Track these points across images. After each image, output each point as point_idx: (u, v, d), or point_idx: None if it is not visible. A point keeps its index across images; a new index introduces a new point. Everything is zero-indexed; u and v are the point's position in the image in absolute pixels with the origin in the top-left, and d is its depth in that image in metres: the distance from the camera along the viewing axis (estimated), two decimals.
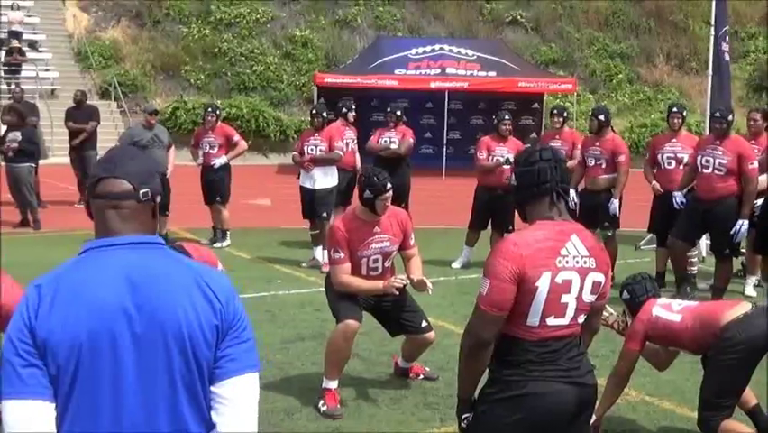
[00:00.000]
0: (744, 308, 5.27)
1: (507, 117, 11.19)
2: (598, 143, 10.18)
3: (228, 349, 2.38)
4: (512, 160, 10.56)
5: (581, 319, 3.45)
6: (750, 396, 5.55)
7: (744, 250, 9.90)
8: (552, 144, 10.97)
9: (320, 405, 6.00)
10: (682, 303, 5.61)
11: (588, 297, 3.41)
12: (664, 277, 10.05)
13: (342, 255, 6.01)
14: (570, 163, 10.63)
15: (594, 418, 5.61)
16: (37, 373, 2.26)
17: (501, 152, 10.91)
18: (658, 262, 10.33)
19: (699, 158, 8.96)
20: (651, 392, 6.52)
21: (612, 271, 9.99)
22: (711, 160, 8.83)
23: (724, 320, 5.13)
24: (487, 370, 3.44)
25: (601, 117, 10.19)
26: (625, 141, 26.42)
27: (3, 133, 14.57)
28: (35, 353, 2.26)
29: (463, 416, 3.49)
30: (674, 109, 10.21)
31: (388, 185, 6.04)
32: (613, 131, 10.41)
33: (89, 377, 2.27)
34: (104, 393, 2.28)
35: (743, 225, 8.68)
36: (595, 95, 30.77)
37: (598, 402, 5.68)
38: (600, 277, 3.44)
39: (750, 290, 9.71)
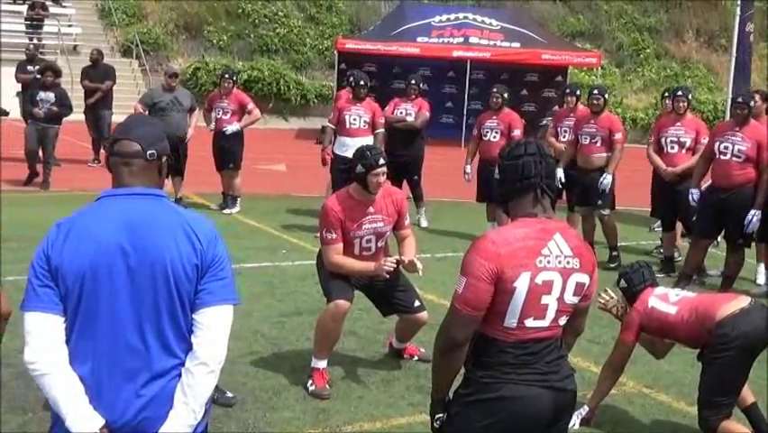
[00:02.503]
0: (741, 302, 5.11)
1: (495, 90, 11.26)
2: (593, 121, 10.06)
3: (207, 284, 2.92)
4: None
5: (563, 321, 3.30)
6: (747, 394, 5.40)
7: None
8: (566, 122, 10.86)
9: (308, 385, 5.92)
10: (680, 294, 5.46)
11: (570, 298, 3.26)
12: (673, 261, 9.90)
13: (334, 236, 5.91)
14: (559, 143, 10.59)
15: (587, 409, 5.52)
16: (50, 292, 2.85)
17: (491, 126, 10.96)
18: (666, 246, 10.17)
19: (716, 144, 8.69)
20: (649, 384, 6.39)
21: (616, 251, 10.02)
22: (730, 146, 8.58)
23: (719, 316, 4.99)
24: (462, 369, 3.32)
25: (606, 96, 10.26)
26: (648, 117, 26.19)
27: (28, 90, 14.52)
28: (49, 276, 2.85)
29: (436, 416, 3.36)
30: (679, 93, 10.00)
31: (381, 160, 5.86)
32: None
33: (91, 300, 2.84)
34: (102, 313, 2.85)
35: (755, 215, 8.44)
36: (621, 69, 30.37)
37: (592, 392, 5.63)
38: (584, 278, 3.28)
39: (762, 279, 9.53)
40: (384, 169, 5.92)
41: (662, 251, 10.34)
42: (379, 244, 6.15)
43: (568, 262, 3.22)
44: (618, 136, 9.96)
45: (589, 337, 7.15)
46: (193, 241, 2.90)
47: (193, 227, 2.93)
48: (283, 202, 13.08)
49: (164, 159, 3.04)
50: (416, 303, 6.27)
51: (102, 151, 15.89)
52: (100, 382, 2.86)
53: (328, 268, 6.03)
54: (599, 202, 10.04)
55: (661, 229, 10.56)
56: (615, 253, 10.14)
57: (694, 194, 9.00)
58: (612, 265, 9.90)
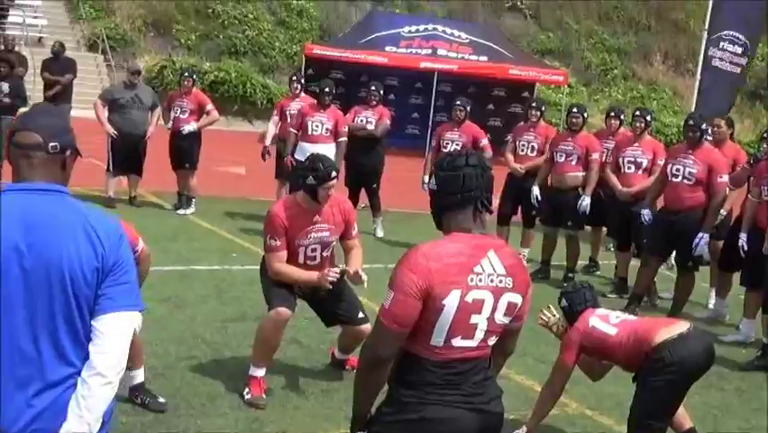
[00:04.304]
0: (681, 328, 5.09)
1: (458, 103, 11.22)
2: (570, 139, 10.02)
3: (107, 289, 2.73)
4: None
5: (492, 341, 3.19)
6: (684, 419, 5.39)
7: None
8: (526, 137, 10.78)
9: (245, 393, 5.79)
10: (621, 316, 5.42)
11: (501, 318, 3.15)
12: (627, 282, 9.87)
13: (278, 243, 5.80)
14: (539, 159, 10.48)
15: (525, 429, 5.44)
16: None
17: (452, 138, 10.86)
18: (619, 266, 10.16)
19: (669, 166, 8.72)
20: (592, 405, 6.32)
21: (572, 273, 9.99)
22: (681, 168, 8.59)
23: (657, 340, 4.95)
24: (386, 386, 3.21)
25: (585, 115, 10.18)
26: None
27: None
28: None
29: None
30: (637, 113, 10.01)
31: (333, 173, 5.78)
32: None
33: None
34: None
35: (702, 238, 8.44)
36: (588, 88, 30.53)
37: (531, 413, 5.56)
38: (517, 298, 3.17)
39: (713, 303, 9.52)
40: (335, 182, 5.83)
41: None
42: (325, 254, 6.04)
43: (501, 281, 3.11)
44: (596, 156, 9.90)
45: (536, 356, 7.10)
46: (94, 242, 2.71)
47: (95, 227, 2.74)
48: (239, 205, 12.91)
49: (68, 152, 2.84)
50: (360, 315, 6.16)
51: None
52: None
53: (271, 276, 5.91)
54: (569, 223, 9.99)
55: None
56: (571, 275, 10.11)
57: (645, 214, 9.00)
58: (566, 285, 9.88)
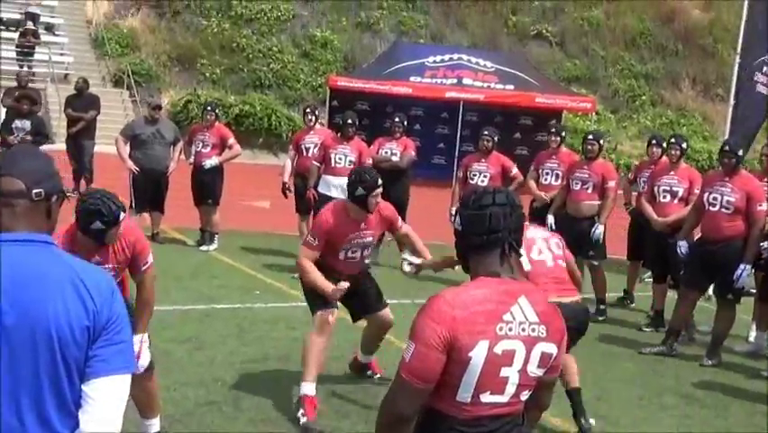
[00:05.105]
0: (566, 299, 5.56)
1: (485, 132, 10.90)
2: (586, 167, 9.76)
3: (99, 350, 2.45)
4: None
5: (525, 396, 2.89)
6: (572, 377, 6.03)
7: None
8: (548, 164, 10.51)
9: (299, 414, 5.84)
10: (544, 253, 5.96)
11: (534, 370, 2.85)
12: (663, 315, 9.50)
13: (316, 243, 6.01)
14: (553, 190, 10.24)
15: None
16: None
17: (479, 169, 10.58)
18: (656, 299, 9.79)
19: (706, 195, 8.36)
20: None
21: (603, 304, 9.71)
22: (719, 197, 8.22)
23: None
24: None
25: (602, 142, 9.94)
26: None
27: (6, 116, 14.16)
28: None
29: None
30: (672, 140, 9.68)
31: (379, 180, 6.00)
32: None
33: None
34: None
35: (744, 269, 8.05)
36: (616, 115, 30.20)
37: None
38: (551, 348, 2.87)
39: (754, 336, 9.15)
40: (381, 189, 6.06)
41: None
42: (365, 253, 6.42)
43: (533, 330, 2.81)
44: (612, 184, 9.66)
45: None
46: (84, 298, 2.44)
47: (85, 282, 2.46)
48: (262, 240, 12.71)
49: (54, 198, 2.58)
50: (383, 301, 6.58)
51: (82, 182, 15.57)
52: None
53: (297, 263, 6.19)
54: (591, 253, 9.68)
55: (651, 280, 10.21)
56: (602, 307, 9.78)
57: (682, 247, 8.62)
58: (600, 318, 9.57)
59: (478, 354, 2.73)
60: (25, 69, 23.48)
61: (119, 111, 24.17)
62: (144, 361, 4.99)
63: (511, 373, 2.80)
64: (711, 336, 8.57)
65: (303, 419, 5.76)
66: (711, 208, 8.28)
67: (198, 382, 6.61)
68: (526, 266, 5.09)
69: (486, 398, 2.80)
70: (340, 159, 10.73)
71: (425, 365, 2.73)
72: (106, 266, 4.96)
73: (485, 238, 2.89)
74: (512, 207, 2.92)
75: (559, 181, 10.33)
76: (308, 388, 5.93)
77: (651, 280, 10.49)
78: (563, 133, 10.83)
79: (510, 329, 2.78)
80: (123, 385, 2.49)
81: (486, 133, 10.90)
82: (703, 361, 8.32)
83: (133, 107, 25.25)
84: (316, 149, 11.19)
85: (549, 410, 6.18)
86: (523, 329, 2.80)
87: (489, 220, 2.89)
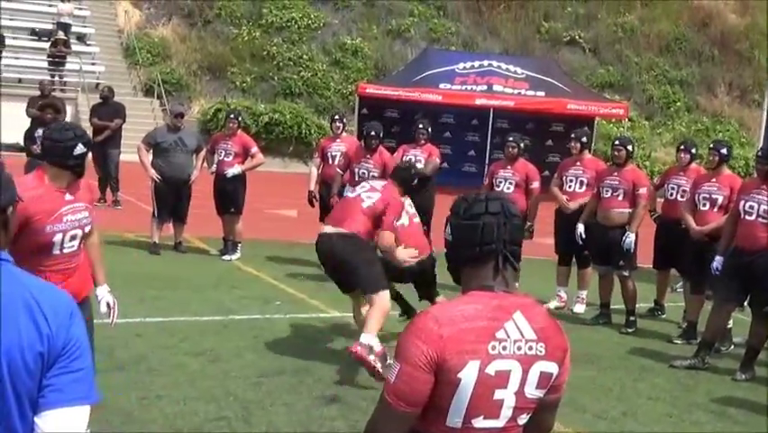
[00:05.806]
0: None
1: (510, 139, 10.67)
2: (617, 174, 9.47)
3: (53, 379, 2.19)
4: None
5: (523, 420, 2.65)
6: None
7: None
8: (572, 171, 10.21)
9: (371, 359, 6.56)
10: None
11: (532, 392, 2.61)
12: (696, 327, 9.18)
13: (396, 225, 7.35)
14: (583, 197, 9.92)
15: None
16: None
17: (505, 176, 10.35)
18: (690, 310, 9.45)
19: (742, 203, 8.03)
20: None
21: (633, 316, 9.39)
22: (756, 205, 7.87)
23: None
24: None
25: (630, 148, 9.59)
26: None
27: (30, 126, 14.16)
28: None
29: None
30: (711, 146, 9.36)
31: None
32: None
33: None
34: None
35: None
36: (651, 122, 29.80)
37: None
38: (551, 367, 2.63)
39: None
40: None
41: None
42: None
43: (530, 348, 2.58)
44: (643, 191, 9.35)
45: (595, 411, 6.53)
46: (38, 321, 2.17)
47: (40, 303, 2.19)
48: (287, 249, 12.54)
49: (9, 210, 2.29)
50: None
51: (108, 190, 15.53)
52: None
53: (384, 246, 7.25)
54: (621, 262, 9.40)
55: (682, 290, 9.90)
56: (632, 319, 9.48)
57: (717, 262, 8.26)
58: (629, 330, 9.30)
59: (468, 376, 2.50)
60: (56, 78, 23.69)
61: (149, 120, 24.20)
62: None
63: (506, 396, 2.57)
64: (745, 350, 8.26)
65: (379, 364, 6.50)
66: (747, 217, 7.95)
67: (210, 396, 6.43)
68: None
69: (479, 423, 2.56)
70: (363, 174, 10.54)
71: (411, 387, 2.51)
72: (81, 204, 4.85)
73: (477, 250, 2.66)
74: (507, 217, 2.68)
75: (583, 189, 10.04)
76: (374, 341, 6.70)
77: (682, 290, 10.19)
78: (584, 139, 10.43)
79: (504, 348, 2.55)
80: (80, 418, 2.22)
81: (511, 139, 10.66)
82: (736, 375, 7.99)
83: (164, 116, 25.27)
84: (341, 156, 11.04)
85: (570, 426, 6.01)
86: (518, 348, 2.57)
87: (482, 231, 2.65)
